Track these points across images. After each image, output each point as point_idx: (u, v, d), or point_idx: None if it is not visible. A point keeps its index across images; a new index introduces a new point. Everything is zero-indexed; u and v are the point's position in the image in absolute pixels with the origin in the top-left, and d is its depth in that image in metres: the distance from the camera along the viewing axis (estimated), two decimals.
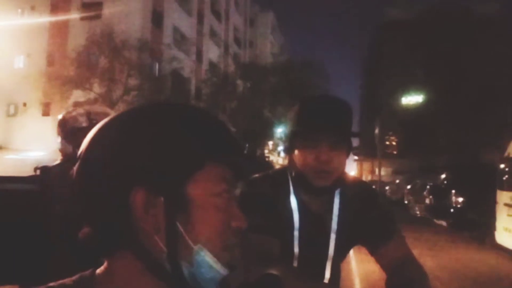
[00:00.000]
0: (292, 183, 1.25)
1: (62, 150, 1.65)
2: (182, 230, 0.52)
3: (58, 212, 1.35)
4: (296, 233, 1.21)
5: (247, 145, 24.95)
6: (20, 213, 1.44)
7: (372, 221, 1.25)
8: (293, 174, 1.23)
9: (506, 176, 8.30)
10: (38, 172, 1.61)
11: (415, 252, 1.24)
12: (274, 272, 1.02)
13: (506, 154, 8.42)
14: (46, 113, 21.02)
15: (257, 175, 1.30)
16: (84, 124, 1.59)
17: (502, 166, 8.53)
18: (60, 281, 0.57)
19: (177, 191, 0.52)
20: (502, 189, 8.30)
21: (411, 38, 32.64)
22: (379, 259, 1.25)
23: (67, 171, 1.62)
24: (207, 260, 0.54)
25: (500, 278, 5.92)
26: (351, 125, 1.20)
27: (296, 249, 1.21)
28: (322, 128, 1.14)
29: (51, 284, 0.56)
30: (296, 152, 1.19)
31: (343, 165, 1.18)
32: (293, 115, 1.21)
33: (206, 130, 0.56)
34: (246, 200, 1.19)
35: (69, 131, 1.59)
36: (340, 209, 1.24)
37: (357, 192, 1.29)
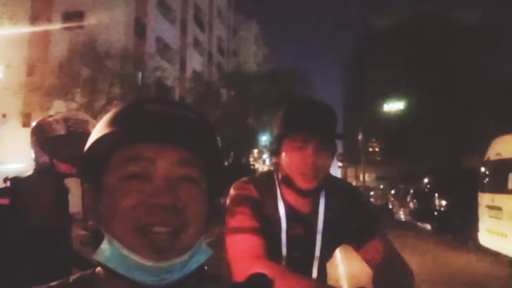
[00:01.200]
0: (279, 185, 1.27)
1: (36, 160, 1.54)
2: (101, 216, 0.57)
3: (30, 223, 1.29)
4: (283, 235, 1.23)
5: (232, 153, 24.92)
6: None
7: (356, 219, 1.28)
8: (280, 176, 1.25)
9: (487, 178, 8.50)
10: (8, 183, 1.51)
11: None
12: (262, 271, 1.04)
13: (486, 157, 8.61)
14: (26, 124, 20.57)
15: (244, 178, 1.32)
16: (62, 132, 1.51)
17: (482, 169, 8.73)
18: (61, 280, 0.59)
19: (98, 180, 0.58)
20: (483, 191, 8.48)
21: (393, 48, 33.30)
22: (364, 256, 1.27)
23: (40, 182, 1.56)
24: (116, 246, 0.54)
25: (485, 279, 6.02)
26: (336, 127, 1.23)
27: (284, 251, 1.23)
28: (308, 128, 1.17)
29: (52, 284, 0.58)
30: (282, 154, 1.22)
31: (328, 166, 1.22)
32: (280, 118, 1.24)
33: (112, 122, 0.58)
34: (234, 202, 1.23)
35: (45, 140, 1.51)
36: (325, 210, 1.27)
37: (342, 193, 1.32)
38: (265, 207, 1.24)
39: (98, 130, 0.58)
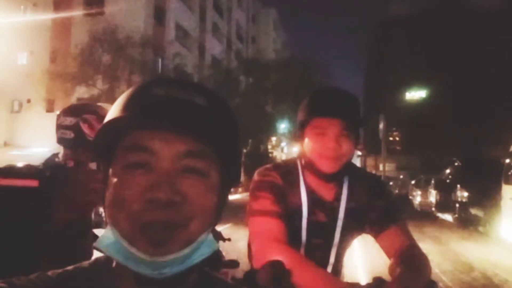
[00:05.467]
0: (302, 171, 1.29)
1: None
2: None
3: (59, 213, 1.23)
4: (304, 221, 1.25)
5: (250, 141, 24.97)
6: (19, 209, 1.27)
7: (378, 209, 1.29)
8: (303, 161, 1.28)
9: None
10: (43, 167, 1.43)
11: (420, 246, 1.24)
12: (279, 258, 1.04)
13: (511, 149, 8.37)
14: (50, 109, 21.08)
15: (268, 165, 1.34)
16: (71, 136, 1.47)
17: (508, 160, 8.48)
18: (77, 265, 0.59)
19: (108, 170, 0.56)
20: (508, 183, 8.26)
21: (414, 34, 32.49)
22: (382, 243, 1.27)
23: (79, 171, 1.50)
24: (116, 235, 0.53)
25: (507, 272, 5.89)
26: (359, 115, 1.25)
27: (304, 237, 1.26)
28: (331, 113, 1.19)
29: (68, 268, 0.58)
30: (306, 140, 1.24)
31: (350, 152, 1.22)
32: (304, 105, 1.27)
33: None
34: (258, 188, 1.26)
35: (57, 138, 1.50)
36: (348, 198, 1.28)
37: (365, 182, 1.33)
38: (287, 194, 1.25)
39: (107, 116, 0.56)
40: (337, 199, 1.28)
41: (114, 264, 0.57)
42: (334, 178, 1.25)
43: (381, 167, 22.18)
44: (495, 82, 23.14)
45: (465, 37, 27.55)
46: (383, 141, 18.72)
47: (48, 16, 21.55)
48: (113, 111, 0.55)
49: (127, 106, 0.54)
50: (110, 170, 0.55)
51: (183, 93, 0.54)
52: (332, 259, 1.28)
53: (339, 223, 1.27)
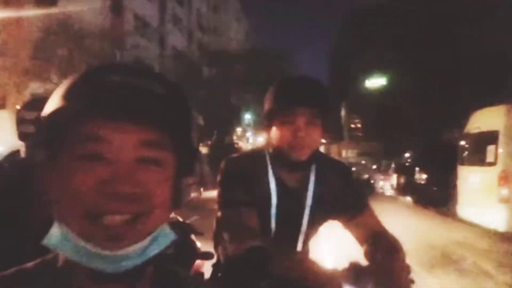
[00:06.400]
0: (270, 160, 1.29)
1: None
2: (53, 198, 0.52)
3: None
4: (273, 210, 1.25)
5: (215, 132, 24.79)
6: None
7: (345, 196, 1.31)
8: (271, 150, 1.28)
9: (466, 152, 8.69)
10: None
11: None
12: (259, 244, 1.05)
13: (465, 131, 8.78)
14: (1, 106, 19.96)
15: (236, 154, 1.35)
16: (33, 130, 1.46)
17: (462, 142, 8.91)
18: (19, 266, 0.55)
19: (55, 162, 0.51)
20: (463, 164, 8.68)
21: (376, 23, 33.26)
22: (353, 230, 1.31)
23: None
24: (66, 232, 0.50)
25: (465, 249, 6.22)
26: (327, 103, 1.24)
27: (273, 225, 1.26)
28: (298, 102, 1.18)
29: (8, 271, 0.54)
30: (273, 129, 1.24)
31: (318, 140, 1.24)
32: (271, 94, 1.25)
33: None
34: (226, 178, 1.25)
35: (19, 133, 1.47)
36: (315, 185, 1.29)
37: (332, 169, 1.35)
38: (256, 182, 1.25)
39: (51, 102, 0.52)
40: (305, 186, 1.29)
41: (60, 262, 0.54)
42: (303, 166, 1.26)
43: (344, 153, 22.78)
44: (455, 70, 24.16)
45: (425, 27, 28.54)
46: (345, 127, 19.15)
47: None
48: (59, 99, 0.51)
49: (78, 94, 0.50)
50: (59, 162, 0.51)
51: (140, 80, 0.52)
52: (299, 247, 1.30)
53: (307, 210, 1.28)
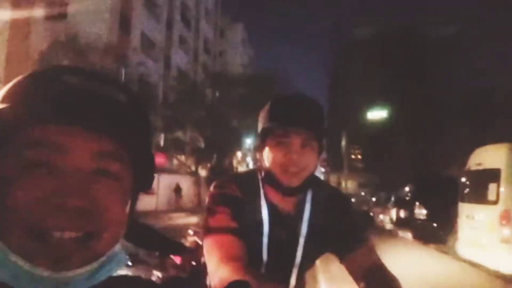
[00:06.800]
0: (262, 184, 1.18)
1: None
2: None
3: None
4: (265, 239, 1.14)
5: (215, 155, 24.66)
6: None
7: (343, 227, 1.21)
8: (263, 173, 1.16)
9: (467, 189, 8.52)
10: None
11: None
12: (242, 278, 0.89)
13: (467, 167, 8.65)
14: None
15: (225, 178, 1.23)
16: None
17: (463, 179, 8.76)
18: None
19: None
20: (464, 201, 8.50)
21: (376, 56, 33.87)
22: (349, 266, 1.17)
23: None
24: (1, 249, 0.43)
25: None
26: (323, 124, 1.16)
27: (265, 256, 1.14)
28: (293, 123, 1.09)
29: None
30: (266, 150, 1.14)
31: (313, 164, 1.14)
32: (265, 113, 1.17)
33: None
34: (215, 202, 1.12)
35: None
36: (311, 213, 1.19)
37: (329, 197, 1.25)
38: (247, 207, 1.14)
39: None
40: (300, 213, 1.18)
41: None
42: (297, 192, 1.14)
43: (343, 184, 22.60)
44: (451, 104, 24.39)
45: (422, 61, 29.04)
46: (345, 158, 19.07)
47: (6, 16, 20.57)
48: (6, 98, 0.44)
49: (28, 93, 0.44)
50: (0, 170, 0.44)
51: (99, 85, 0.47)
52: (293, 281, 1.17)
53: (301, 240, 1.15)
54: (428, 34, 33.05)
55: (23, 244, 0.42)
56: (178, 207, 21.34)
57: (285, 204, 1.17)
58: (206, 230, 1.08)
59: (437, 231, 10.00)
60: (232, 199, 1.12)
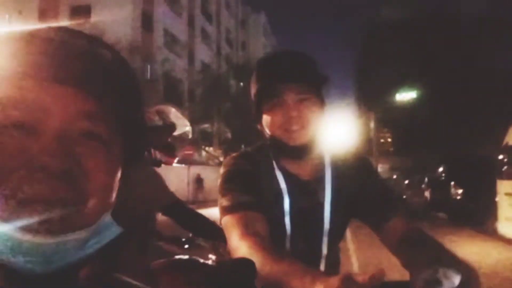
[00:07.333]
0: (273, 154, 1.12)
1: None
2: None
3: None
4: (287, 209, 1.07)
5: (242, 146, 24.79)
6: None
7: (371, 191, 1.14)
8: (268, 142, 1.11)
9: (506, 166, 8.20)
10: None
11: None
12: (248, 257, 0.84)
13: (504, 143, 8.32)
14: None
15: (235, 154, 1.16)
16: (158, 123, 1.76)
17: (501, 156, 8.43)
18: None
19: None
20: (502, 178, 8.19)
21: (405, 36, 32.89)
22: (384, 235, 1.10)
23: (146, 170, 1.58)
24: None
25: (504, 268, 5.77)
26: (317, 73, 1.08)
27: (288, 227, 1.07)
28: (281, 78, 1.03)
29: None
30: (264, 117, 1.08)
31: (316, 118, 1.05)
32: (253, 76, 1.10)
33: None
34: (225, 180, 1.06)
35: None
36: (333, 178, 1.12)
37: (350, 161, 1.18)
38: (262, 180, 1.07)
39: None
40: (321, 179, 1.11)
41: None
42: (308, 152, 1.07)
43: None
44: (485, 82, 23.42)
45: (455, 39, 28.00)
46: (374, 141, 18.72)
47: (33, 25, 21.32)
48: None
49: (8, 52, 0.41)
50: None
51: (82, 41, 0.44)
52: (324, 250, 1.09)
53: (327, 206, 1.09)
54: (459, 13, 31.88)
55: (7, 209, 0.38)
56: (195, 199, 20.62)
57: (302, 171, 1.11)
58: (222, 209, 1.02)
59: (474, 211, 9.68)
60: (243, 173, 1.07)
